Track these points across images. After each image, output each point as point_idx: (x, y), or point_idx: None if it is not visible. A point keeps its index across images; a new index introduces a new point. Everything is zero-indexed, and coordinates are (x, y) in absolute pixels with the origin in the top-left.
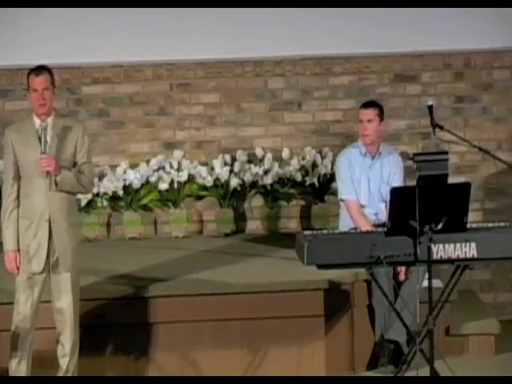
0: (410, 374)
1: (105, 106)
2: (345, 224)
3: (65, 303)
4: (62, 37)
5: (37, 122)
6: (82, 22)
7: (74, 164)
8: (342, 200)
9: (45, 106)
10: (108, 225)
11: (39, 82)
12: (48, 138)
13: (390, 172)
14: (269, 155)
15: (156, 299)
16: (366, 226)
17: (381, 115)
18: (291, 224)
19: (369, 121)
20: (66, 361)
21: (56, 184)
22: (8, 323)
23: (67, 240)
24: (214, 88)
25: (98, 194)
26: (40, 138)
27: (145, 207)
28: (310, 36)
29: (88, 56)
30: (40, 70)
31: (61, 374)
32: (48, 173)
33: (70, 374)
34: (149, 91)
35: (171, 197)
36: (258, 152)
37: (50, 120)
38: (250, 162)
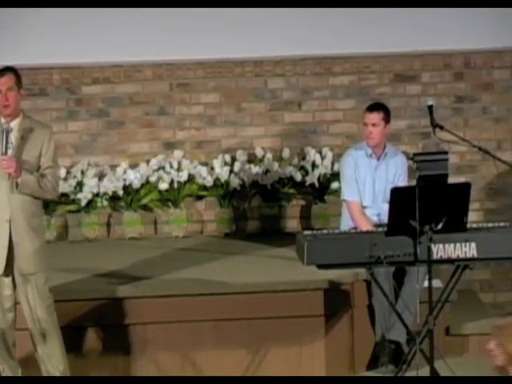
0: (410, 373)
1: (105, 106)
2: (346, 224)
3: (36, 309)
4: (62, 36)
5: (1, 123)
6: (81, 22)
7: (39, 168)
8: (344, 201)
9: (8, 107)
10: (108, 225)
11: (2, 82)
12: (12, 140)
13: (396, 173)
14: (269, 155)
15: (155, 299)
16: (367, 227)
17: (386, 118)
18: (291, 224)
19: (373, 125)
20: (45, 366)
21: (17, 186)
22: None
23: (28, 242)
24: (214, 88)
25: (97, 194)
26: (2, 140)
27: (145, 207)
28: (309, 36)
29: (88, 56)
30: (4, 70)
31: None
32: (9, 174)
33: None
34: (149, 91)
35: (171, 197)
36: (258, 152)
37: (15, 122)
38: (250, 161)
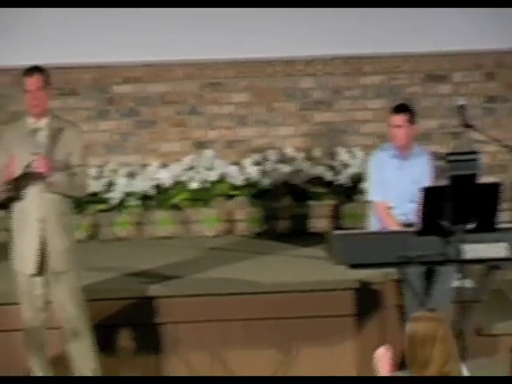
0: None
1: (135, 106)
2: (374, 225)
3: (68, 307)
4: (93, 36)
5: (30, 122)
6: (113, 22)
7: (68, 167)
8: (370, 201)
9: (38, 107)
10: (139, 224)
11: (31, 82)
12: (41, 139)
13: (421, 173)
14: (299, 155)
15: (186, 298)
16: (394, 227)
17: (411, 119)
18: (321, 223)
19: (398, 126)
20: (77, 365)
21: (48, 185)
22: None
23: (59, 241)
24: (245, 87)
25: (129, 194)
26: (33, 139)
27: (175, 206)
28: (340, 36)
29: (119, 55)
30: (33, 70)
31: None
32: (40, 174)
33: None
34: (180, 90)
35: (202, 196)
36: (289, 151)
37: (44, 121)
38: (280, 161)
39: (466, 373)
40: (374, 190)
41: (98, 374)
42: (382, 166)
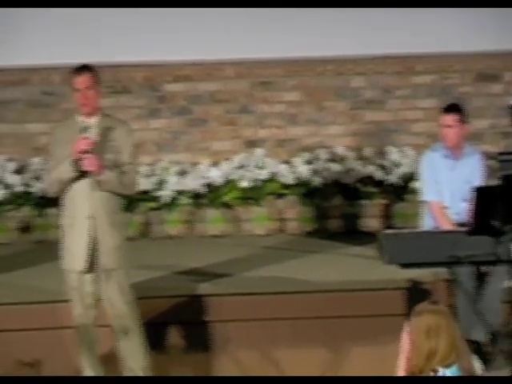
0: (491, 374)
1: (187, 104)
2: (428, 224)
3: (118, 305)
4: (145, 34)
5: (80, 121)
6: (164, 20)
7: (118, 165)
8: (424, 201)
9: (88, 106)
10: (190, 222)
11: (81, 81)
12: (91, 138)
13: (472, 173)
14: (350, 154)
15: (236, 297)
16: (448, 227)
17: (462, 119)
18: (372, 223)
19: (449, 126)
20: (127, 362)
21: (98, 183)
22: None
23: (109, 238)
24: (296, 86)
25: (179, 192)
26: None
27: (226, 205)
28: (391, 35)
29: (170, 54)
30: (82, 69)
31: (130, 374)
32: (91, 172)
33: (139, 374)
34: (230, 89)
35: (253, 195)
36: (340, 150)
37: (94, 119)
38: (331, 160)
39: (478, 366)
40: (428, 190)
41: (149, 372)
42: (434, 166)
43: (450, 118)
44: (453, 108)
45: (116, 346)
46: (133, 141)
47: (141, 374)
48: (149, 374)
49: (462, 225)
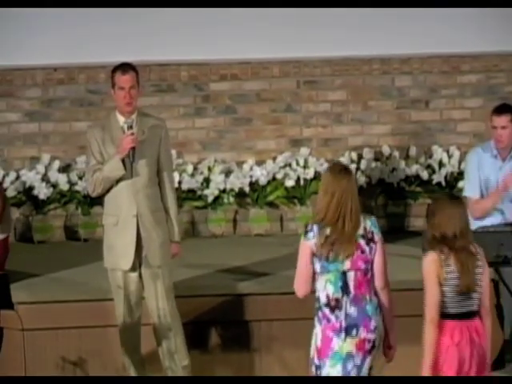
0: None
1: (232, 103)
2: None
3: (162, 303)
4: (190, 33)
5: (121, 119)
6: (209, 19)
7: (157, 162)
8: (465, 197)
9: (131, 105)
10: (234, 221)
11: (126, 80)
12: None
13: None
14: (395, 153)
15: (281, 296)
16: (493, 199)
17: None
18: (418, 222)
19: (503, 127)
20: (168, 361)
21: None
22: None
23: (155, 236)
24: (341, 85)
25: (224, 191)
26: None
27: (271, 204)
28: (437, 34)
29: (216, 52)
30: (127, 68)
31: (169, 374)
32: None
33: (178, 374)
34: (276, 88)
35: (297, 194)
36: (385, 150)
37: (133, 117)
38: (376, 159)
39: None
40: (469, 186)
41: (189, 371)
42: (481, 165)
43: (504, 119)
44: (506, 108)
45: (158, 345)
46: (170, 138)
47: (181, 373)
48: (189, 373)
49: (509, 225)
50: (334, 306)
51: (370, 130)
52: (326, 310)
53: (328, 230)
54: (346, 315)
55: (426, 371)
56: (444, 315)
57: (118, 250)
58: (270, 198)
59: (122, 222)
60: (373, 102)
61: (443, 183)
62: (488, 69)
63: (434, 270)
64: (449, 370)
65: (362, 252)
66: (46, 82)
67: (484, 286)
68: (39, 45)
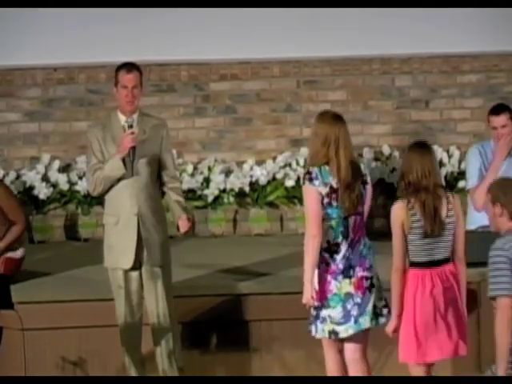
0: None
1: (232, 103)
2: (472, 221)
3: (161, 303)
4: (191, 33)
5: (122, 118)
6: (209, 19)
7: (157, 161)
8: (467, 190)
9: (132, 104)
10: (234, 221)
11: (130, 79)
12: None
13: None
14: (395, 153)
15: (281, 296)
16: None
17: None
18: None
19: (503, 126)
20: (165, 362)
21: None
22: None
23: (156, 235)
24: (341, 85)
25: (224, 191)
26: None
27: (271, 204)
28: (437, 34)
29: (216, 52)
30: (131, 67)
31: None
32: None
33: (172, 374)
34: (276, 88)
35: (297, 194)
36: (385, 150)
37: (134, 116)
38: (376, 159)
39: None
40: (472, 178)
41: (184, 372)
42: (483, 160)
43: (502, 119)
44: (503, 108)
45: (154, 345)
46: (170, 137)
47: (177, 374)
48: (184, 374)
49: None
50: (334, 250)
51: (369, 129)
52: (326, 255)
53: (331, 178)
54: (344, 258)
55: (394, 321)
56: (413, 264)
57: (119, 250)
58: (270, 197)
59: (122, 222)
60: (373, 101)
61: (443, 183)
62: (488, 69)
63: (399, 217)
64: (422, 318)
65: (361, 196)
66: (46, 82)
67: (457, 234)
68: (39, 45)
